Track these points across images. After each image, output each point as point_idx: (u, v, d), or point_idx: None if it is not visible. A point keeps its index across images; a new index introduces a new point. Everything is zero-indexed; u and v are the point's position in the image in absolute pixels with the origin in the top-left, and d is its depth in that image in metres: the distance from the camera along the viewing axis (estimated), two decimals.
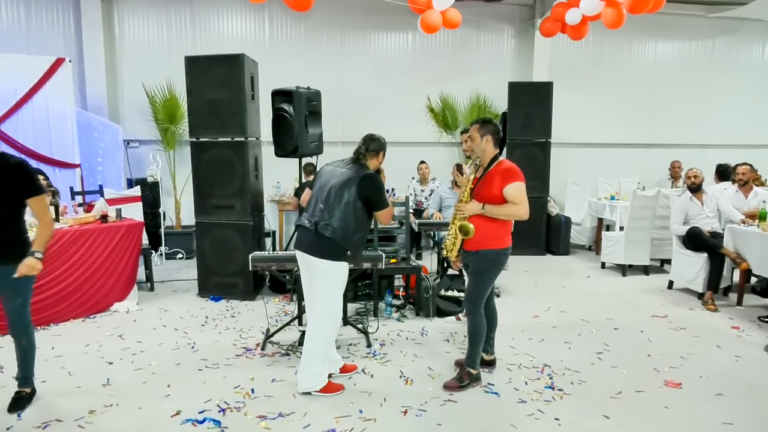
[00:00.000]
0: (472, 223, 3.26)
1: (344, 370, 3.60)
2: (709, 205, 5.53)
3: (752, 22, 9.22)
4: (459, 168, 6.08)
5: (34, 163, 5.86)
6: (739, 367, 3.81)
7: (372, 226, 4.39)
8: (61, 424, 2.95)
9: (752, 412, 3.15)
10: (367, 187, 3.24)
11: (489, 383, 3.48)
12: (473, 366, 3.43)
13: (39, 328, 4.42)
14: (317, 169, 3.69)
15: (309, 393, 3.29)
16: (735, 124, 9.45)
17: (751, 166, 5.79)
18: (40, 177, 5.17)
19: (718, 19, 9.05)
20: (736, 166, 5.84)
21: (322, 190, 3.31)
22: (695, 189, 5.55)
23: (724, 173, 6.38)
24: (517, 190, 3.22)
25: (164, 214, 7.20)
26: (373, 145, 3.38)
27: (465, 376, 3.41)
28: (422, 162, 7.58)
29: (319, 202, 3.28)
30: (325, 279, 3.24)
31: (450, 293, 5.08)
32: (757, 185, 5.88)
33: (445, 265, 5.34)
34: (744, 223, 5.21)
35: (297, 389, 3.32)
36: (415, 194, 7.55)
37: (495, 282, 3.49)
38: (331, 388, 3.32)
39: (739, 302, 5.23)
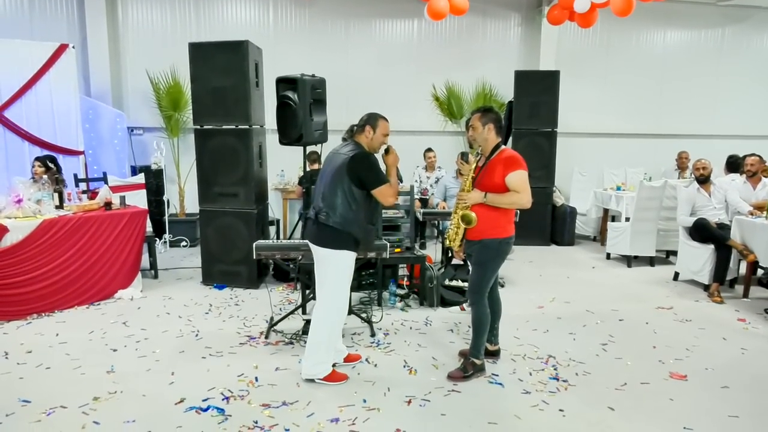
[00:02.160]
0: (475, 213, 3.23)
1: (348, 359, 3.60)
2: (717, 197, 5.48)
3: (763, 10, 9.08)
4: (464, 157, 6.04)
5: (38, 151, 5.85)
6: (745, 359, 3.79)
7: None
8: (65, 411, 2.96)
9: (758, 404, 3.14)
10: (355, 168, 3.12)
11: (493, 374, 3.47)
12: (477, 356, 3.42)
13: (43, 314, 4.45)
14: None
15: (312, 380, 3.29)
16: (744, 115, 9.33)
17: (760, 157, 5.71)
18: (39, 165, 5.20)
19: (728, 7, 8.91)
20: (745, 156, 5.77)
21: (321, 177, 3.28)
22: (703, 180, 5.50)
23: (734, 165, 6.31)
24: (519, 179, 3.19)
25: (168, 201, 7.20)
26: (369, 120, 3.25)
27: (469, 367, 3.40)
28: (429, 150, 7.53)
29: (319, 190, 3.26)
30: (328, 267, 3.22)
31: (454, 283, 5.06)
32: (765, 176, 5.81)
33: (450, 254, 5.31)
34: (752, 214, 5.15)
35: (300, 376, 3.33)
36: (421, 181, 7.51)
37: (499, 272, 3.47)
38: (335, 377, 3.32)
39: (746, 294, 5.19)
